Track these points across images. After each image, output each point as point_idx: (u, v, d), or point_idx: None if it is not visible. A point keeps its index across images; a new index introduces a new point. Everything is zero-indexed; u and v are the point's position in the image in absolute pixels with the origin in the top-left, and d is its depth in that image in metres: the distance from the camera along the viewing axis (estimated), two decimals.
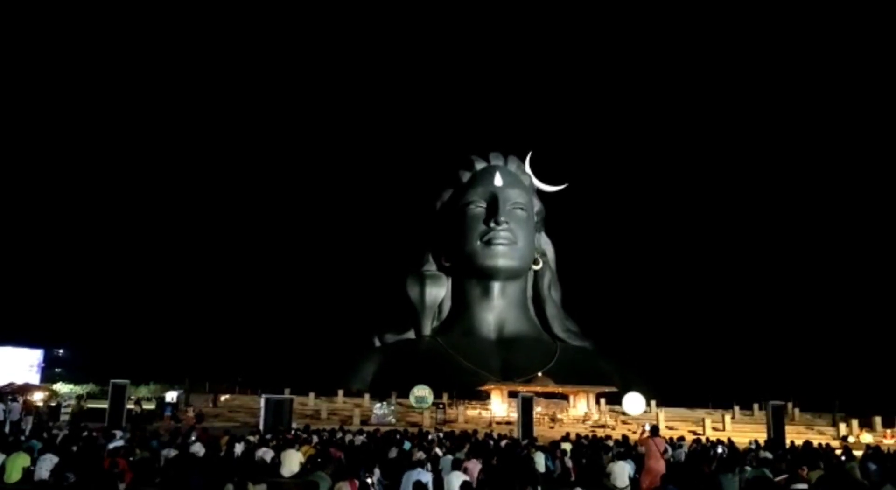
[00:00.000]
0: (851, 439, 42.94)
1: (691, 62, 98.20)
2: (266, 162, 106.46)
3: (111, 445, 20.70)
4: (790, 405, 51.04)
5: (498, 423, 46.38)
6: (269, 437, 25.57)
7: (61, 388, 66.34)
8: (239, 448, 21.82)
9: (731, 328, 77.04)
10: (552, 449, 23.01)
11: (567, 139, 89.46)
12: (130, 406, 41.85)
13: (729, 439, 30.38)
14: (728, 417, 48.59)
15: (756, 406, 54.75)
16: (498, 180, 65.45)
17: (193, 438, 23.39)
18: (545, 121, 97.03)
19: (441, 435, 29.87)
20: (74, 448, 20.19)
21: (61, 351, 79.50)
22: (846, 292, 74.99)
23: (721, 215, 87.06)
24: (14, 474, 17.37)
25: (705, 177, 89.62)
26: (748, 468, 17.66)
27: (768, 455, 22.95)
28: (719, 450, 25.72)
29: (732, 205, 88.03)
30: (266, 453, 20.69)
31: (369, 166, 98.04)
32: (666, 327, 77.25)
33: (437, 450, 22.15)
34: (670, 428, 44.82)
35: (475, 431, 31.61)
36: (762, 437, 35.36)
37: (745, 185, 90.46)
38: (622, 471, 18.70)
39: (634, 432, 38.89)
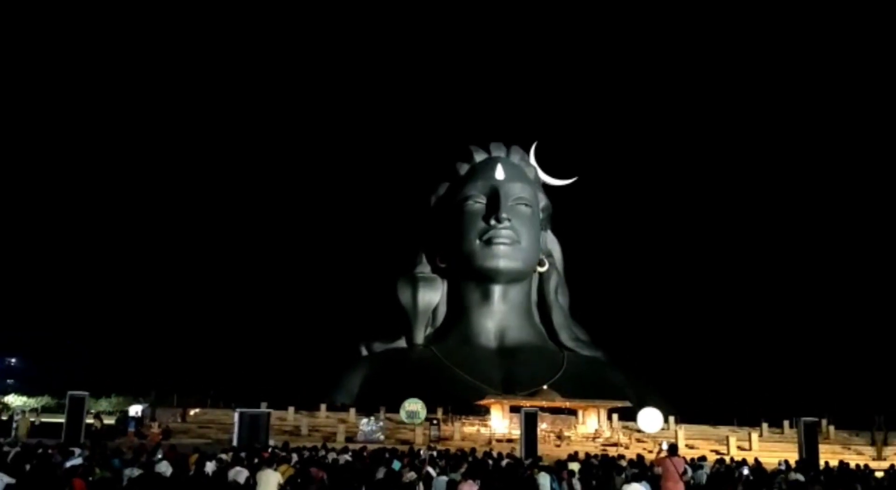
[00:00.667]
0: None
1: (710, 44, 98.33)
2: (240, 152, 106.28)
3: (68, 464, 20.61)
4: (824, 422, 51.09)
5: (498, 440, 46.32)
6: (243, 455, 25.44)
7: (13, 400, 66.18)
8: (210, 467, 21.73)
9: (759, 336, 77.02)
10: (558, 469, 23.07)
11: (576, 127, 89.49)
12: (89, 421, 41.90)
13: (756, 460, 30.44)
14: (755, 435, 48.51)
15: (786, 423, 54.80)
16: (499, 173, 65.60)
17: (159, 456, 23.29)
18: (552, 107, 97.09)
19: (435, 453, 29.76)
20: (28, 467, 20.04)
21: (14, 360, 79.31)
22: (888, 298, 75.04)
23: (748, 210, 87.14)
24: None
25: (729, 170, 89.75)
26: None
27: (800, 477, 23.20)
28: (745, 471, 25.81)
29: (762, 200, 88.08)
30: (240, 473, 20.57)
31: (356, 158, 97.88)
32: (686, 335, 77.12)
33: (430, 470, 22.22)
34: (690, 447, 44.84)
35: (473, 450, 31.44)
36: (793, 457, 35.23)
37: (777, 182, 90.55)
38: None
39: (650, 451, 38.83)
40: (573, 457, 29.32)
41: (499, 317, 64.82)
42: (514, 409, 47.82)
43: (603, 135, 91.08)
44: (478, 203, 64.86)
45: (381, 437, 44.68)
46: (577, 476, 22.65)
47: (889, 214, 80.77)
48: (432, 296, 65.85)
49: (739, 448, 45.47)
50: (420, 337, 64.94)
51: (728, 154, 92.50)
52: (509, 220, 63.09)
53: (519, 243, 63.46)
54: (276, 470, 19.86)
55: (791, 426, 52.48)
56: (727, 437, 47.53)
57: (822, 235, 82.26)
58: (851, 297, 76.67)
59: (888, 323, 72.32)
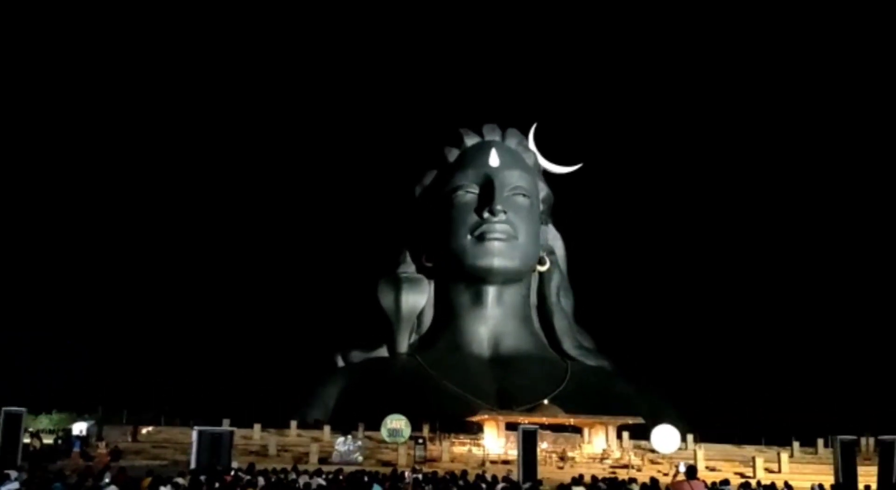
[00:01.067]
0: None
1: (726, 20, 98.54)
2: (198, 141, 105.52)
3: (3, 489, 20.24)
4: (864, 440, 51.16)
5: (493, 462, 46.34)
6: (203, 478, 25.21)
7: None
8: None
9: (790, 342, 76.87)
10: None
11: (582, 107, 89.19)
12: (27, 440, 41.42)
13: (786, 483, 30.50)
14: (785, 456, 48.52)
15: (821, 442, 54.85)
16: (493, 159, 65.70)
17: (107, 480, 23.11)
18: (554, 85, 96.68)
19: (420, 476, 30.05)
20: None
21: None
22: None
23: (777, 205, 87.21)
24: None
25: (755, 162, 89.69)
26: None
27: None
28: None
29: (792, 197, 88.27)
30: None
31: (329, 144, 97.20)
32: (706, 343, 77.10)
33: None
34: (711, 469, 44.92)
35: (464, 472, 31.53)
36: (828, 480, 35.46)
37: (804, 184, 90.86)
38: None
39: (666, 474, 39.13)
40: (578, 480, 29.55)
41: (493, 322, 64.91)
42: (511, 427, 47.85)
43: (612, 116, 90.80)
44: (469, 193, 64.97)
45: (360, 458, 44.82)
46: None
47: None
48: (417, 299, 65.88)
49: (767, 470, 45.51)
50: (404, 345, 65.01)
51: (744, 130, 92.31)
52: (505, 212, 63.05)
53: (516, 239, 63.46)
54: None
55: (826, 445, 52.57)
56: (753, 458, 47.53)
57: (855, 234, 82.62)
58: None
59: None
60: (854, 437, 40.96)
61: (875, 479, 36.73)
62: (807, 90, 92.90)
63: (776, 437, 54.72)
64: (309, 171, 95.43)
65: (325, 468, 33.87)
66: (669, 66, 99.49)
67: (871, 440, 50.60)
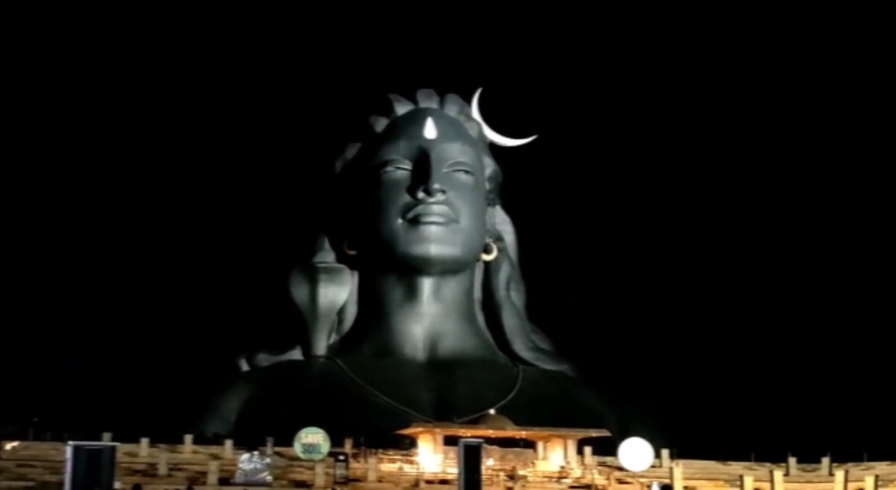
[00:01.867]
0: None
1: None
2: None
3: None
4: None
5: (429, 481, 46.11)
6: None
7: None
8: None
9: (784, 345, 77.20)
10: None
11: (536, 69, 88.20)
12: None
13: None
14: (779, 474, 47.81)
15: (825, 459, 53.81)
16: (429, 130, 65.46)
17: None
18: (501, 44, 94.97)
19: None
20: None
21: None
22: None
23: (762, 195, 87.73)
24: None
25: (736, 140, 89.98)
26: None
27: None
28: None
29: (779, 189, 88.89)
30: None
31: (230, 111, 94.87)
32: (685, 344, 77.06)
33: None
34: (691, 489, 45.19)
35: None
36: None
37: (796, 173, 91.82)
38: None
39: None
40: None
41: (430, 320, 64.65)
42: (451, 441, 47.54)
43: (572, 80, 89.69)
44: (400, 170, 64.69)
45: (269, 478, 44.10)
46: None
47: None
48: (338, 292, 65.35)
49: None
50: (321, 346, 64.42)
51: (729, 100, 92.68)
52: (443, 191, 62.77)
53: (456, 222, 63.25)
54: None
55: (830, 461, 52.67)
56: (741, 477, 46.63)
57: (854, 231, 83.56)
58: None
59: None
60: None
61: None
62: (773, 63, 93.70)
63: (768, 451, 54.37)
64: (212, 148, 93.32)
65: None
66: (639, 20, 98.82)
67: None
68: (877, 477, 44.71)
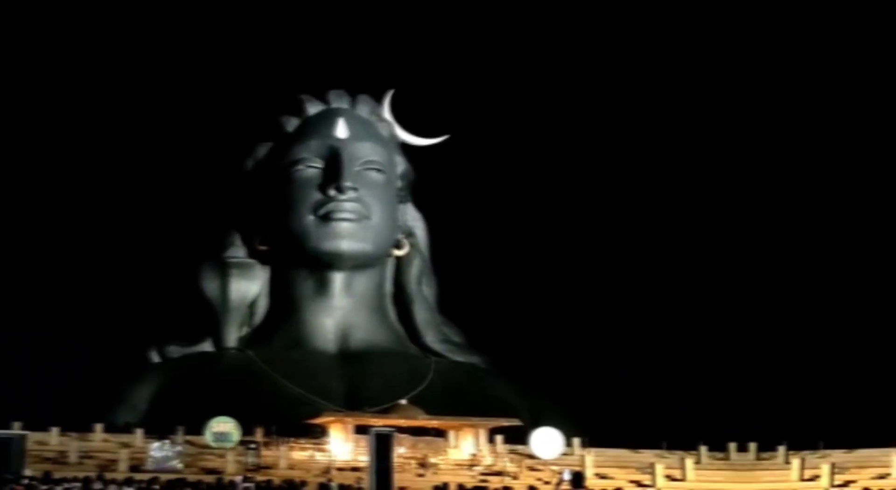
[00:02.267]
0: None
1: None
2: None
3: None
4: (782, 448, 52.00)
5: (340, 469, 45.76)
6: None
7: None
8: None
9: (695, 335, 77.05)
10: None
11: (450, 69, 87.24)
12: None
13: None
14: (690, 461, 48.62)
15: (733, 446, 54.22)
16: (341, 130, 64.90)
17: None
18: (414, 43, 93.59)
19: (252, 486, 32.61)
20: None
21: None
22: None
23: (676, 177, 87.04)
24: None
25: (648, 125, 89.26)
26: None
27: None
28: None
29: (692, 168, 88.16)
30: None
31: (141, 107, 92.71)
32: (597, 336, 76.98)
33: None
34: (603, 476, 45.61)
35: (304, 482, 33.94)
36: (743, 488, 37.88)
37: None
38: None
39: (548, 483, 40.06)
40: (442, 489, 32.33)
41: (340, 313, 64.04)
42: (362, 430, 47.46)
43: (488, 78, 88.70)
44: (311, 168, 63.92)
45: (179, 466, 43.84)
46: None
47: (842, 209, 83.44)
48: (248, 286, 64.69)
49: (669, 478, 46.04)
50: (231, 338, 63.82)
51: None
52: (355, 189, 62.31)
53: (368, 219, 62.81)
54: None
55: (739, 450, 53.00)
56: (652, 464, 47.50)
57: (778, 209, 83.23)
58: (823, 284, 77.83)
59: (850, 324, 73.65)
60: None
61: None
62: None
63: (680, 440, 54.53)
64: (122, 144, 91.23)
65: (138, 476, 34.96)
66: (548, 20, 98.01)
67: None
68: (833, 465, 45.20)
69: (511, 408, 55.44)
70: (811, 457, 49.54)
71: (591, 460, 46.94)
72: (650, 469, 46.49)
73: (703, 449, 53.56)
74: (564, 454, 48.82)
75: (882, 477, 45.20)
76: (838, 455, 49.95)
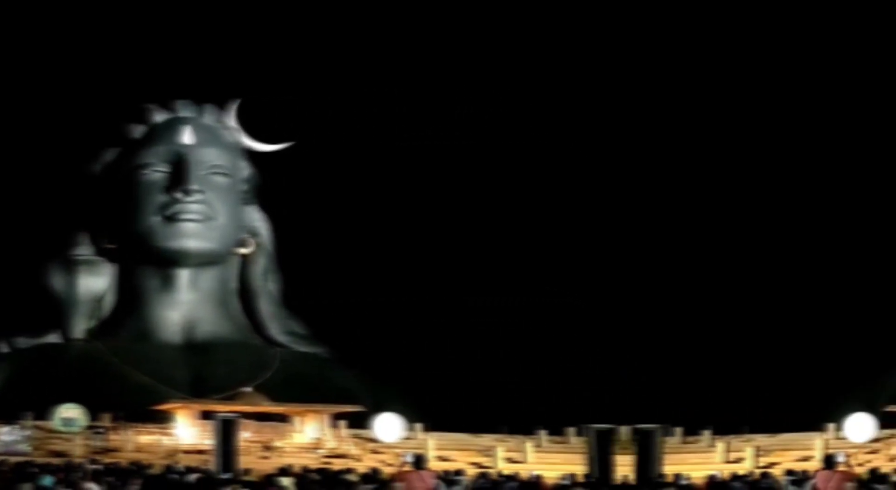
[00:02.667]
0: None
1: None
2: None
3: None
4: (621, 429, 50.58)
5: (186, 452, 46.01)
6: None
7: None
8: None
9: (533, 326, 75.98)
10: (264, 485, 25.53)
11: (294, 77, 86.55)
12: None
13: (534, 474, 33.27)
14: (530, 445, 49.63)
15: (571, 430, 53.77)
16: (187, 136, 64.56)
17: None
18: (259, 53, 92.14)
19: (101, 467, 31.39)
20: None
21: None
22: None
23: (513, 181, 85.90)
24: None
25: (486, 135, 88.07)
26: None
27: None
28: (513, 486, 28.70)
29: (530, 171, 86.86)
30: None
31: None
32: (440, 329, 76.45)
33: (94, 486, 23.94)
34: (444, 459, 45.91)
35: (150, 464, 34.27)
36: (579, 470, 37.60)
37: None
38: None
39: (391, 465, 40.16)
40: (285, 470, 30.61)
41: (186, 307, 63.62)
42: (208, 416, 47.47)
43: (332, 89, 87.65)
44: (158, 172, 63.39)
45: (28, 449, 43.77)
46: None
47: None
48: (95, 282, 63.90)
49: (511, 460, 46.80)
50: (78, 330, 62.90)
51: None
52: (201, 192, 62.15)
53: (213, 220, 62.73)
54: None
55: (579, 434, 51.71)
56: (494, 448, 48.58)
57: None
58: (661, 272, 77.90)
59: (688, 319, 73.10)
60: (610, 426, 43.29)
61: (632, 469, 40.01)
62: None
63: (521, 426, 54.76)
64: None
65: None
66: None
67: (627, 429, 49.70)
68: (757, 448, 46.77)
69: (353, 395, 56.01)
70: (736, 440, 50.26)
71: (432, 443, 47.71)
72: (492, 452, 47.96)
73: (543, 433, 54.03)
74: (407, 438, 49.18)
75: (805, 459, 45.63)
76: (763, 439, 50.75)
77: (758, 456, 46.48)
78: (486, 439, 53.57)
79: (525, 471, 36.40)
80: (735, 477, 35.91)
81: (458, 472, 31.57)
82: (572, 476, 31.30)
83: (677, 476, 37.10)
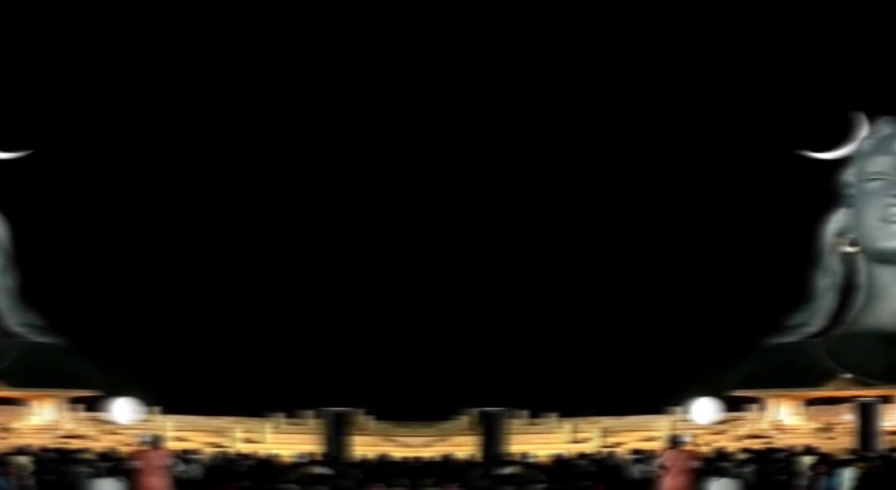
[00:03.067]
0: None
1: None
2: None
3: None
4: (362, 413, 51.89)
5: None
6: None
7: None
8: None
9: (277, 314, 76.10)
10: (2, 465, 25.23)
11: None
12: None
13: (271, 453, 35.21)
14: (268, 426, 51.02)
15: (309, 413, 53.38)
16: None
17: None
18: None
19: None
20: None
21: None
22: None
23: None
24: None
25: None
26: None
27: (326, 471, 27.43)
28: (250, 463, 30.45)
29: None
30: None
31: None
32: (179, 318, 76.38)
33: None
34: (182, 439, 46.78)
35: None
36: (315, 449, 38.06)
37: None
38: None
39: (128, 445, 39.09)
40: (22, 450, 31.70)
41: None
42: None
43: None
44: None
45: None
46: (30, 472, 25.57)
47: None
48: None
49: (250, 441, 48.51)
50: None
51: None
52: None
53: None
54: None
55: (317, 417, 52.17)
56: (232, 429, 50.54)
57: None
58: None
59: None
60: (346, 409, 44.57)
61: (479, 449, 41.68)
62: None
63: (260, 408, 53.91)
64: None
65: None
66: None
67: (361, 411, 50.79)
68: (604, 429, 49.19)
69: (89, 380, 54.48)
70: (582, 422, 52.14)
71: (170, 425, 48.53)
72: (230, 433, 49.45)
73: (281, 416, 54.19)
74: (144, 421, 49.19)
75: (650, 440, 47.84)
76: (609, 421, 53.02)
77: (606, 436, 48.64)
78: (224, 421, 53.44)
79: (263, 450, 37.65)
80: (581, 456, 38.22)
81: (195, 452, 32.70)
82: (311, 455, 32.22)
83: (523, 455, 39.43)
